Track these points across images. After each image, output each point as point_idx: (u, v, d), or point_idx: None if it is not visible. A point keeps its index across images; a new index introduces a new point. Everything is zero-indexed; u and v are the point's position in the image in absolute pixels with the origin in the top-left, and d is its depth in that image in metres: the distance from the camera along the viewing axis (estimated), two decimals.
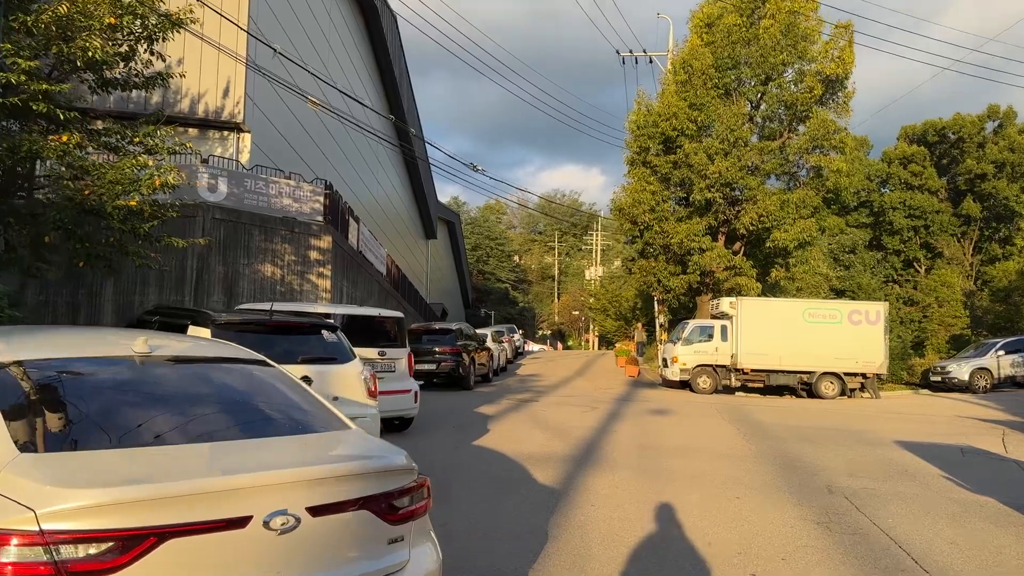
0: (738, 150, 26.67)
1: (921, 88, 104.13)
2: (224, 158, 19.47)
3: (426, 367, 19.43)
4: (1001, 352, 25.32)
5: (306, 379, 6.61)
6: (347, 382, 6.92)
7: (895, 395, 25.34)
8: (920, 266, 54.72)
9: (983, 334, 31.25)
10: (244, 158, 20.17)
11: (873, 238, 56.05)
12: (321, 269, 19.72)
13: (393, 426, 11.52)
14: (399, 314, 11.54)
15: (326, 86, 22.95)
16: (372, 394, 7.03)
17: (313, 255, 19.65)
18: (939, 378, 25.67)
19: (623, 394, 21.32)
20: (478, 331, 26.96)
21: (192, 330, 6.66)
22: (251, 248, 18.73)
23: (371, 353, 10.66)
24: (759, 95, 28.23)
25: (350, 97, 24.60)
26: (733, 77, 28.00)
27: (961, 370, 25.08)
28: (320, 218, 20.04)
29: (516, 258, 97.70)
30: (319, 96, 21.89)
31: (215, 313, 6.75)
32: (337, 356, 6.98)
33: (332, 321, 7.30)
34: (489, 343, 24.40)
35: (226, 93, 19.89)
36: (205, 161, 18.62)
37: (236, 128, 20.20)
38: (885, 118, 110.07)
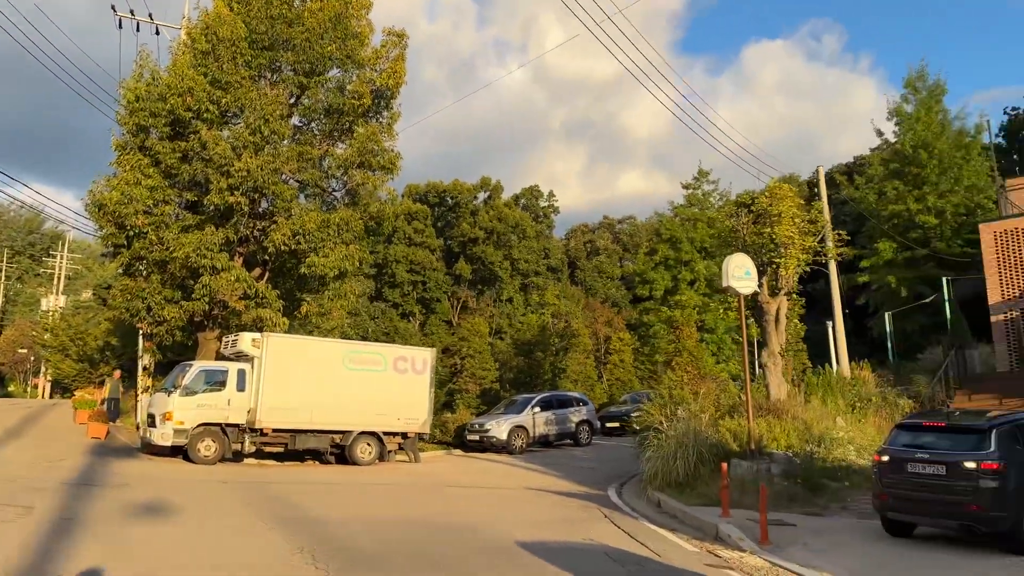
0: (273, 148, 21.04)
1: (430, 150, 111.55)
2: None
3: None
4: (537, 409, 23.72)
5: None
6: None
7: (431, 457, 21.88)
8: (415, 320, 56.30)
9: (508, 390, 30.14)
10: None
11: (376, 289, 55.83)
12: None
13: None
14: None
15: None
16: None
17: None
18: (477, 436, 22.82)
19: (85, 471, 13.61)
20: None
21: None
22: None
23: None
24: (301, 88, 23.07)
25: None
26: (270, 59, 22.42)
27: (500, 428, 22.56)
28: None
29: None
30: None
31: None
32: None
33: None
34: None
35: None
36: None
37: None
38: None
